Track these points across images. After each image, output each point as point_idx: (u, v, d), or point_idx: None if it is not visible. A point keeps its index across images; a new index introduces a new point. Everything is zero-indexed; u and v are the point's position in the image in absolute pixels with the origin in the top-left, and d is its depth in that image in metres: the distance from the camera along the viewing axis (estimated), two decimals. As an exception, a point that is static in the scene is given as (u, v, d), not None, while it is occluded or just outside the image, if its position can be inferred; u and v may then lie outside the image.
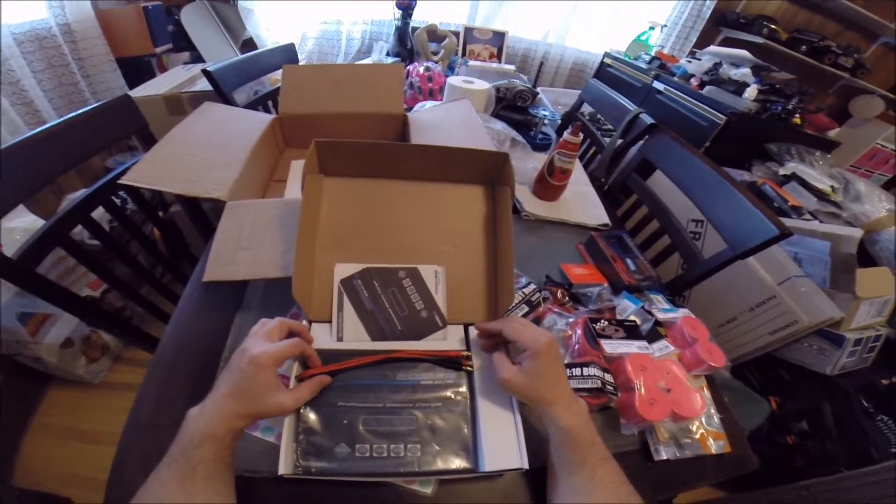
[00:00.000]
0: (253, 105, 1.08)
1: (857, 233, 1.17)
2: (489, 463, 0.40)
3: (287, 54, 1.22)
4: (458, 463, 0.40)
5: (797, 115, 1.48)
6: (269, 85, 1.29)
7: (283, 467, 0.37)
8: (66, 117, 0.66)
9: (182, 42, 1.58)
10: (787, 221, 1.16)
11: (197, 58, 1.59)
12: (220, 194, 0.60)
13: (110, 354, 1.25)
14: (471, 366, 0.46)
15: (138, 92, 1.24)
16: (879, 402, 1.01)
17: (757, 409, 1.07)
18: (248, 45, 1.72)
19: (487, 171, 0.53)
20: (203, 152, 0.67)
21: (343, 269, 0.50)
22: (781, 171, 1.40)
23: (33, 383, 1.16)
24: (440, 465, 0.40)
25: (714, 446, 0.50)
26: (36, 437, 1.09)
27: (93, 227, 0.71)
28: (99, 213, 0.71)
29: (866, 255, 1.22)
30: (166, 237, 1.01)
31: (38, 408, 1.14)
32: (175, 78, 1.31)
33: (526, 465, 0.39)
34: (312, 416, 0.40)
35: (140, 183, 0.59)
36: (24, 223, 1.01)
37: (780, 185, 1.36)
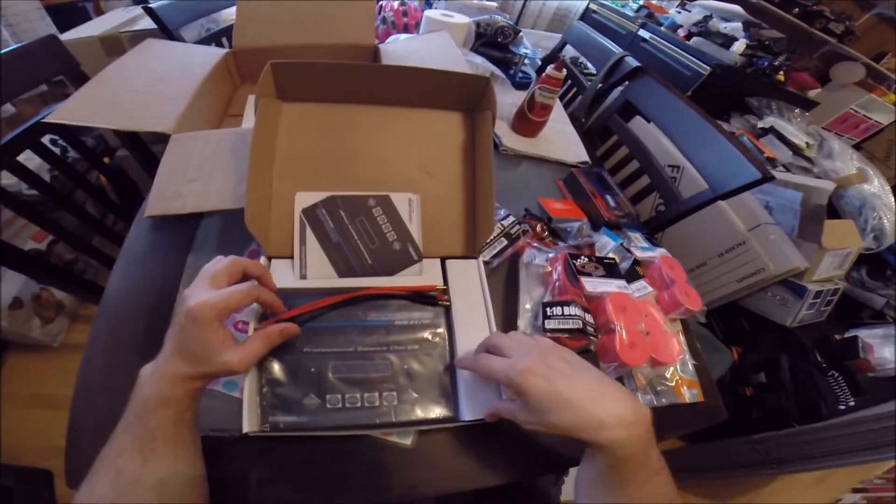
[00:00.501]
0: (205, 42, 0.98)
1: (829, 185, 1.20)
2: (470, 411, 0.38)
3: (242, -12, 1.09)
4: (437, 411, 0.38)
5: (781, 73, 1.50)
6: (223, 23, 1.17)
7: (248, 425, 0.33)
8: None
9: (117, -17, 1.41)
10: (763, 171, 1.18)
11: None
12: (164, 128, 0.55)
13: (66, 313, 1.17)
14: (448, 300, 0.43)
15: (71, 35, 1.10)
16: (832, 357, 1.04)
17: (720, 359, 1.09)
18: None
19: (466, 96, 0.49)
20: (144, 87, 0.61)
21: (305, 198, 0.45)
22: (760, 125, 1.42)
23: None
24: (419, 414, 0.37)
25: (688, 395, 0.50)
26: (10, 407, 1.02)
27: (24, 174, 0.65)
28: (37, 164, 0.66)
29: (832, 209, 1.25)
30: (115, 184, 0.93)
31: None
32: (114, 19, 1.17)
33: None
34: (276, 366, 0.36)
35: (70, 120, 0.53)
36: None
37: (757, 138, 1.37)
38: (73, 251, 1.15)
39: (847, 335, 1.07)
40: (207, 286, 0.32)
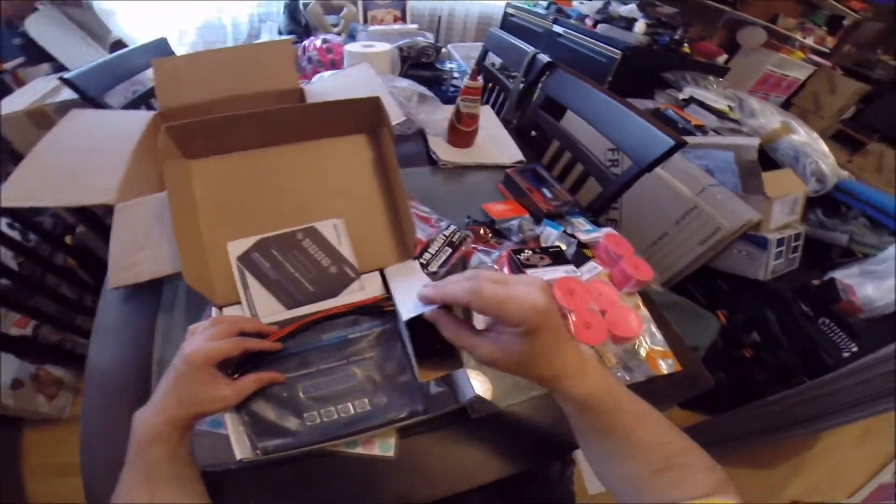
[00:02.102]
0: (132, 105, 0.98)
1: (754, 141, 1.29)
2: (407, 311, 0.38)
3: (159, 49, 1.09)
4: (408, 407, 0.40)
5: (685, 45, 1.60)
6: (148, 83, 1.16)
7: (239, 452, 0.36)
8: None
9: (36, 53, 1.39)
10: (693, 139, 1.24)
11: (60, 67, 1.40)
12: (106, 199, 0.56)
13: (67, 388, 1.18)
14: (391, 305, 0.46)
15: None
16: (815, 303, 1.04)
17: (707, 325, 1.08)
18: (118, 46, 1.54)
19: (364, 118, 0.52)
20: (79, 160, 0.62)
21: (237, 246, 0.47)
22: (680, 97, 1.51)
23: (6, 429, 1.12)
24: (392, 413, 0.40)
25: (664, 366, 0.51)
26: (37, 479, 1.08)
27: None
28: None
29: (770, 163, 1.33)
30: (82, 262, 0.91)
31: (20, 451, 1.12)
32: (35, 91, 1.15)
33: (474, 392, 0.40)
34: (252, 399, 0.39)
35: (14, 202, 0.54)
36: None
37: (681, 109, 1.45)
38: (58, 332, 1.14)
39: (825, 279, 1.08)
40: (202, 339, 0.36)
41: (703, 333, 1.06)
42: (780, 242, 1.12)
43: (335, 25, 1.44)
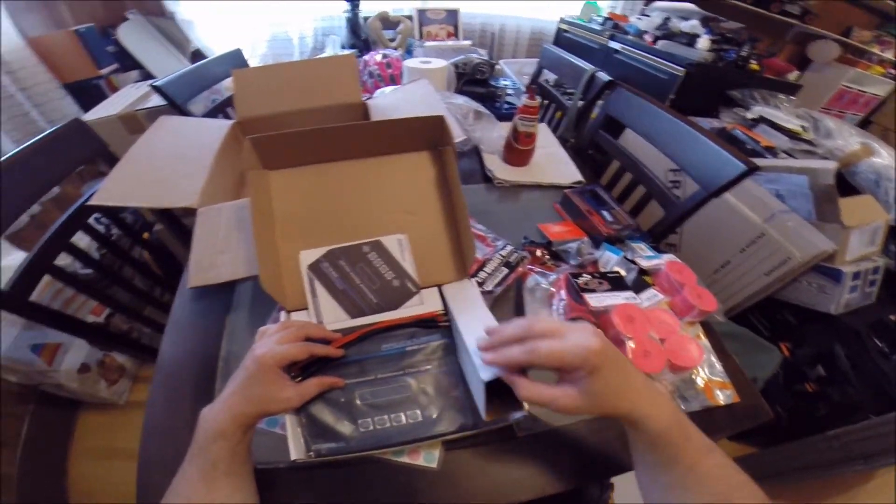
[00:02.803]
0: (212, 113, 1.06)
1: (831, 164, 1.18)
2: (488, 372, 0.39)
3: (235, 60, 1.19)
4: (458, 421, 0.41)
5: (753, 61, 1.51)
6: (225, 92, 1.26)
7: (295, 453, 0.37)
8: (13, 151, 0.66)
9: (127, 61, 1.54)
10: (763, 161, 1.17)
11: (147, 75, 1.55)
12: (190, 203, 0.60)
13: (128, 375, 1.29)
14: (447, 321, 0.47)
15: (93, 115, 1.22)
16: (892, 339, 0.97)
17: (769, 358, 1.04)
18: (198, 55, 1.67)
19: (428, 136, 0.54)
20: (166, 165, 0.67)
21: (308, 255, 0.50)
22: (749, 116, 1.42)
23: (64, 410, 1.20)
24: (442, 427, 0.41)
25: (721, 396, 0.49)
26: (81, 460, 1.14)
27: (78, 254, 0.72)
28: (87, 243, 0.72)
29: (849, 188, 1.22)
30: (156, 257, 0.99)
31: (73, 432, 1.19)
32: (127, 97, 1.28)
33: (525, 409, 0.39)
34: (312, 402, 0.40)
35: (109, 202, 0.59)
36: (14, 260, 1.02)
37: (749, 129, 1.37)
38: (128, 321, 1.26)
39: None
40: (272, 342, 0.38)
41: (764, 366, 1.03)
42: (856, 276, 1.03)
43: (392, 40, 1.50)
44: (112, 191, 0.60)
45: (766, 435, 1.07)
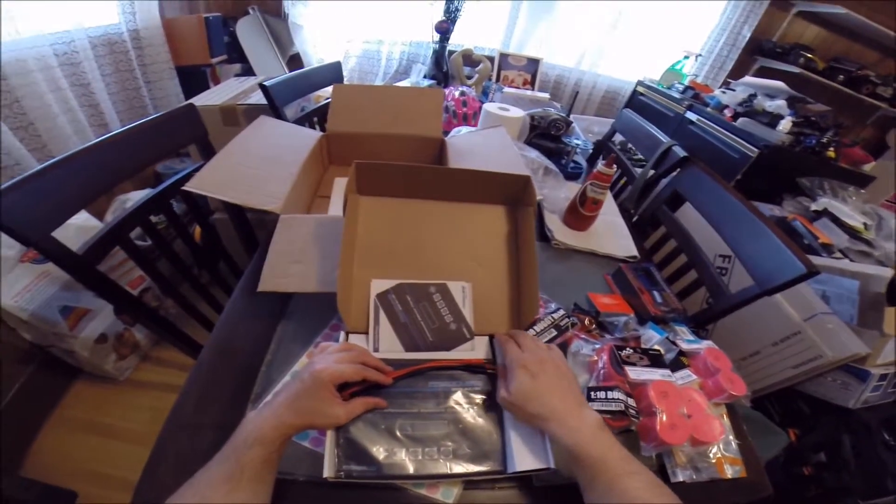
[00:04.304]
0: (300, 121, 1.13)
1: (888, 272, 1.15)
2: (518, 463, 0.42)
3: (334, 73, 1.28)
4: (487, 465, 0.43)
5: (831, 149, 1.46)
6: (313, 101, 1.35)
7: (328, 471, 0.39)
8: (134, 123, 0.70)
9: (234, 54, 1.67)
10: (817, 260, 1.16)
11: (247, 70, 1.68)
12: (273, 207, 0.63)
13: (139, 352, 1.32)
14: (493, 369, 0.50)
15: (197, 102, 1.29)
16: None
17: (775, 441, 1.07)
18: (294, 60, 1.81)
19: (510, 192, 0.58)
20: (259, 165, 0.71)
21: (379, 285, 0.54)
22: (813, 207, 1.39)
23: (60, 376, 1.20)
24: (471, 467, 0.43)
25: (730, 471, 0.52)
26: (55, 429, 1.11)
27: (148, 227, 0.75)
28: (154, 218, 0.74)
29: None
30: (206, 240, 1.06)
31: (61, 400, 1.17)
32: (230, 90, 1.38)
33: (552, 465, 0.42)
34: (354, 423, 0.43)
35: (202, 190, 0.62)
36: (77, 220, 1.05)
37: (810, 222, 1.34)
38: (157, 300, 1.31)
39: None
40: (332, 360, 0.41)
41: (769, 448, 1.06)
42: (882, 377, 1.03)
43: (469, 77, 1.57)
44: (207, 180, 0.64)
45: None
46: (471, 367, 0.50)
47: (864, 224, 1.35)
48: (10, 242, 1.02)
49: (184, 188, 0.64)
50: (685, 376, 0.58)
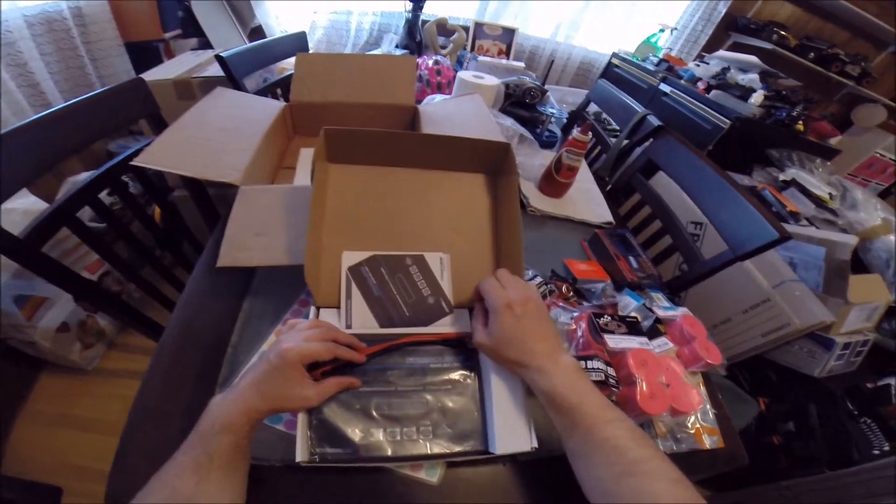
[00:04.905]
0: (262, 92, 1.07)
1: (852, 240, 1.20)
2: (500, 445, 0.41)
3: (298, 43, 1.22)
4: (469, 445, 0.41)
5: (800, 122, 1.51)
6: (277, 73, 1.29)
7: (300, 454, 0.37)
8: (77, 99, 0.65)
9: (190, 28, 1.57)
10: (786, 227, 1.19)
11: (205, 44, 1.58)
12: (233, 179, 0.59)
13: (105, 340, 1.25)
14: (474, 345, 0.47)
15: (148, 76, 1.21)
16: (863, 404, 1.05)
17: (746, 409, 1.10)
18: (256, 32, 1.71)
19: (489, 160, 0.54)
20: (216, 136, 0.66)
21: (351, 257, 0.50)
22: (781, 177, 1.44)
23: (25, 369, 1.14)
24: (452, 447, 0.41)
25: (708, 441, 0.52)
26: (27, 424, 1.07)
27: (99, 208, 0.70)
28: (103, 195, 0.69)
29: (859, 262, 1.25)
30: (166, 219, 1.00)
31: (30, 395, 1.12)
32: (184, 63, 1.29)
33: (535, 445, 0.41)
34: (327, 404, 0.40)
35: (154, 165, 0.58)
36: (23, 204, 0.99)
37: (779, 191, 1.39)
38: (119, 284, 1.24)
39: (880, 383, 1.07)
40: (300, 338, 0.38)
41: (741, 417, 1.10)
42: (846, 346, 1.09)
43: (444, 47, 1.52)
44: (158, 154, 0.59)
45: (724, 480, 1.11)
46: (450, 342, 0.47)
47: (830, 194, 1.41)
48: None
49: (132, 163, 0.59)
50: (662, 344, 0.58)
